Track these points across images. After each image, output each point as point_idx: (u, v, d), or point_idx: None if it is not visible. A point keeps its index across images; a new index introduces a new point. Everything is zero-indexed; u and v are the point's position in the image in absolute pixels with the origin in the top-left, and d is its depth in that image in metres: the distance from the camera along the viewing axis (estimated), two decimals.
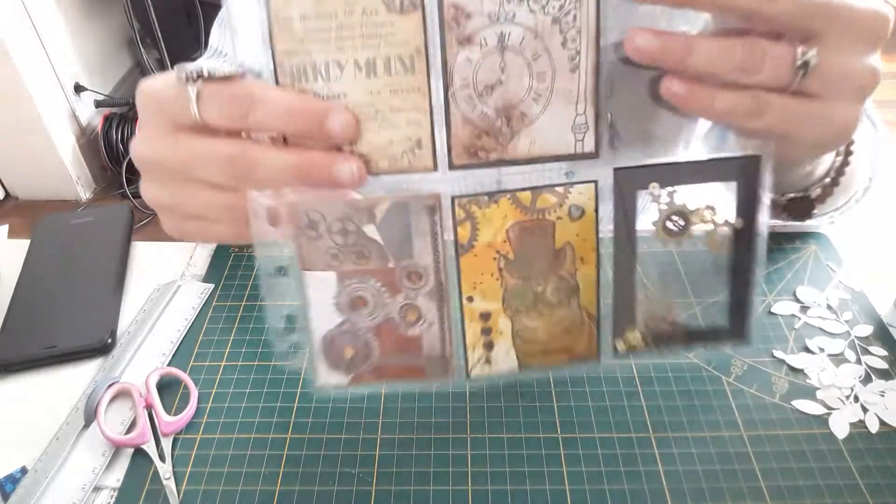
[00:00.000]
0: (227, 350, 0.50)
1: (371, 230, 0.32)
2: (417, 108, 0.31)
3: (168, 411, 0.45)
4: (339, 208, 0.32)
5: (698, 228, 0.34)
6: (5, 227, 0.64)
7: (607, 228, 0.34)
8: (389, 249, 0.33)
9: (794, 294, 0.52)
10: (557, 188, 0.33)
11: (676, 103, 0.30)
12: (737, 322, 0.36)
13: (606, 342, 0.36)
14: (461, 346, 0.35)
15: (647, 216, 0.34)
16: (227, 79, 0.30)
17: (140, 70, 2.17)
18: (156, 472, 0.42)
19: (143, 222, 1.85)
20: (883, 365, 0.47)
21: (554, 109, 0.31)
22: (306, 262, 0.33)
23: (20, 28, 1.63)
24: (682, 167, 0.33)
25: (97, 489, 0.42)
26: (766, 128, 0.31)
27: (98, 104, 1.92)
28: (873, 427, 0.43)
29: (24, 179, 1.87)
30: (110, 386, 0.46)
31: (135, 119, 1.88)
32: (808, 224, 0.59)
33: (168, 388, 0.47)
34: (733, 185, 0.33)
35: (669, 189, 0.33)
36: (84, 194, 1.91)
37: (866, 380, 0.46)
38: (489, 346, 0.36)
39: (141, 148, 0.33)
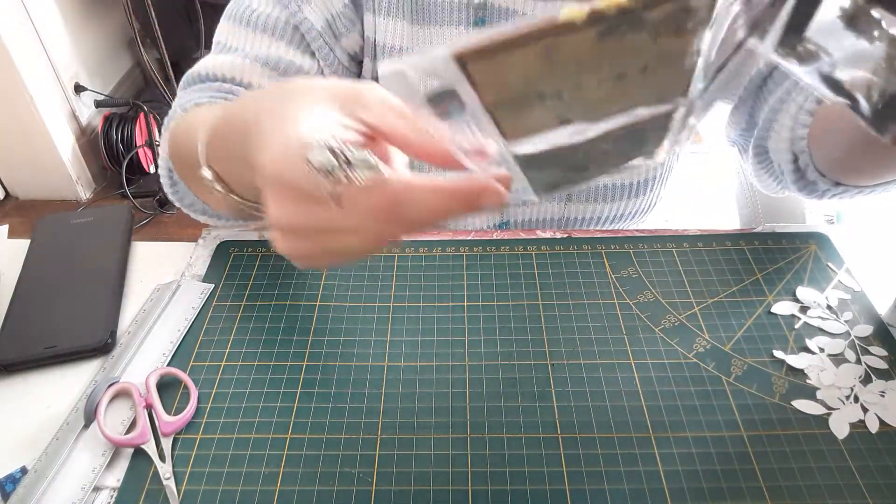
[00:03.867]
0: (227, 350, 0.50)
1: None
2: None
3: (168, 411, 0.45)
4: None
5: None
6: (5, 227, 0.64)
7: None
8: None
9: (794, 294, 0.52)
10: None
11: None
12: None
13: None
14: None
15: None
16: (366, 171, 0.27)
17: (140, 70, 2.17)
18: (156, 472, 0.42)
19: (144, 222, 1.85)
20: (883, 365, 0.47)
21: None
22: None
23: (20, 28, 1.63)
24: None
25: (97, 489, 0.42)
26: None
27: (98, 104, 1.92)
28: (873, 427, 0.43)
29: (24, 179, 1.87)
30: (110, 386, 0.46)
31: (135, 119, 1.89)
32: (809, 224, 0.59)
33: (168, 388, 0.47)
34: None
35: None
36: (84, 194, 1.91)
37: (866, 380, 0.46)
38: None
39: (279, 218, 0.31)
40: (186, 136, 0.45)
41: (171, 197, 0.55)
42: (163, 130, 0.54)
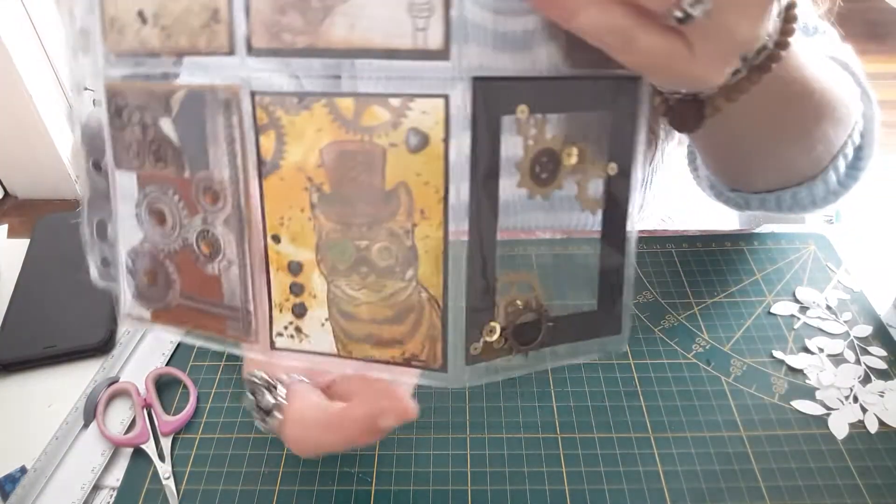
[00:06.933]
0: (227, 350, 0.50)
1: (167, 125, 0.26)
2: None
3: (167, 411, 0.45)
4: (139, 94, 0.26)
5: (569, 175, 0.25)
6: (5, 227, 0.64)
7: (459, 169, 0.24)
8: (185, 153, 0.26)
9: (794, 294, 0.52)
10: (392, 100, 0.23)
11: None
12: (607, 303, 0.28)
13: (457, 344, 0.26)
14: (266, 302, 0.27)
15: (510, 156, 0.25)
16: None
17: None
18: (155, 472, 0.42)
19: None
20: (882, 365, 0.47)
21: None
22: (115, 156, 0.28)
23: (20, 28, 1.63)
24: (560, 86, 0.25)
25: (97, 489, 0.42)
26: (631, 64, 0.25)
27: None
28: (872, 427, 0.43)
29: (24, 179, 1.87)
30: (110, 385, 0.46)
31: None
32: (808, 224, 0.59)
33: (168, 387, 0.47)
34: (608, 116, 0.25)
35: (539, 117, 0.24)
36: None
37: (865, 380, 0.46)
38: (300, 309, 0.27)
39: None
40: None
41: None
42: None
